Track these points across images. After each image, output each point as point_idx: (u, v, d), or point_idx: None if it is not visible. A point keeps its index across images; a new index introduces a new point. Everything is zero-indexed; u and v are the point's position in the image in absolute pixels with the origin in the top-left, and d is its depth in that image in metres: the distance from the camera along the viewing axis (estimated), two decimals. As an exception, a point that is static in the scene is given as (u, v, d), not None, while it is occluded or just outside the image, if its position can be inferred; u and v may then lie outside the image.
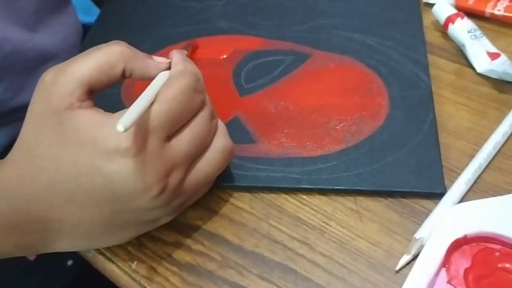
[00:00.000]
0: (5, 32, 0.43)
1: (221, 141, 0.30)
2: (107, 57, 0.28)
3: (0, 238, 0.28)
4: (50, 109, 0.26)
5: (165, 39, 0.44)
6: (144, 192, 0.26)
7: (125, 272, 0.31)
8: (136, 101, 0.25)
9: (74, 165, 0.26)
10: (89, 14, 0.75)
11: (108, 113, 0.27)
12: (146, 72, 0.29)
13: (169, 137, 0.27)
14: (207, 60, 0.42)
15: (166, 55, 0.43)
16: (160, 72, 0.29)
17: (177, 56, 0.30)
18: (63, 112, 0.26)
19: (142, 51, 0.44)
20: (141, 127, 0.26)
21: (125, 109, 0.25)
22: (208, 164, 0.29)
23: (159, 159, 0.26)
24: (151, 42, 0.45)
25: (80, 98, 0.27)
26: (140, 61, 0.29)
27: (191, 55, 0.41)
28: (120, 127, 0.23)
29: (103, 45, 0.28)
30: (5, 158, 0.29)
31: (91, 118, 0.26)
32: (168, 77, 0.28)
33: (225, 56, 0.42)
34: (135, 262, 0.31)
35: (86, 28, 0.59)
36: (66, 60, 0.53)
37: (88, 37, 0.47)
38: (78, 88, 0.27)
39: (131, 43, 0.44)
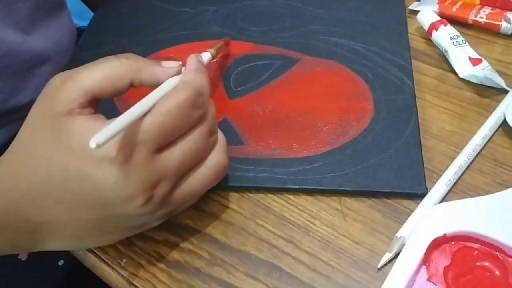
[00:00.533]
0: (1, 34, 0.44)
1: (216, 157, 0.30)
2: (115, 70, 0.28)
3: None
4: (51, 112, 0.27)
5: (157, 44, 0.45)
6: (129, 200, 0.26)
7: (114, 269, 0.32)
8: (123, 114, 0.25)
9: (64, 169, 0.26)
10: (83, 18, 0.76)
11: (104, 120, 0.27)
12: (156, 80, 0.29)
13: (160, 149, 0.27)
14: (193, 54, 0.42)
15: (159, 60, 0.44)
16: (169, 77, 0.29)
17: (192, 63, 0.30)
18: (62, 116, 0.27)
19: (135, 54, 0.45)
20: (131, 137, 0.26)
21: (114, 119, 0.26)
22: (199, 180, 0.29)
23: (146, 170, 0.26)
24: (144, 46, 0.45)
25: (82, 105, 0.27)
26: (148, 71, 0.29)
27: (224, 52, 0.41)
28: (92, 144, 0.23)
29: (112, 57, 0.29)
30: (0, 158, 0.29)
31: (85, 125, 0.26)
32: (173, 86, 0.28)
33: (215, 60, 0.43)
34: (124, 260, 0.32)
35: (79, 31, 0.59)
36: (60, 62, 0.54)
37: (82, 40, 0.48)
38: (82, 96, 0.27)
39: (124, 46, 0.46)
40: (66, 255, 0.49)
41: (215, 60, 0.42)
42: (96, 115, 0.28)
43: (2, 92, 0.46)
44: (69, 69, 0.45)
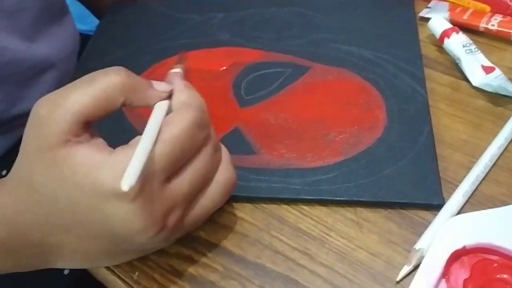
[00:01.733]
0: (5, 41, 0.44)
1: (223, 174, 0.29)
2: (106, 93, 0.26)
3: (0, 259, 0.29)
4: (45, 146, 0.25)
5: (165, 51, 0.45)
6: (141, 233, 0.26)
7: (127, 283, 0.31)
8: (137, 149, 0.24)
9: (72, 203, 0.25)
10: (85, 23, 0.75)
11: (106, 149, 0.26)
12: (146, 103, 0.27)
13: (169, 177, 0.26)
14: (207, 72, 0.42)
15: (165, 68, 0.44)
16: (160, 100, 0.28)
17: (178, 82, 0.29)
18: (58, 150, 0.25)
19: (142, 63, 0.44)
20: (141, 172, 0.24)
21: (124, 147, 0.25)
22: (210, 199, 0.29)
23: (157, 202, 0.25)
24: (151, 55, 0.45)
25: (76, 133, 0.25)
26: (141, 93, 0.27)
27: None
28: (124, 187, 0.22)
29: (100, 74, 0.26)
30: (3, 180, 0.28)
31: (89, 158, 0.25)
32: (171, 108, 0.27)
33: (225, 68, 0.42)
34: (137, 273, 0.31)
35: (82, 36, 0.59)
36: (63, 69, 0.53)
37: (88, 48, 0.47)
38: (74, 124, 0.25)
39: (131, 55, 0.45)
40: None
41: (224, 68, 0.42)
42: (94, 141, 0.26)
43: (6, 99, 0.46)
44: (76, 77, 0.44)
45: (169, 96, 0.28)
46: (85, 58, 0.47)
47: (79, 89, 0.26)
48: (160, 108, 0.27)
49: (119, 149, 0.25)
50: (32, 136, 0.26)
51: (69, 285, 0.48)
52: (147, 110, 0.28)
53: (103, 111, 0.26)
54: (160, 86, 0.28)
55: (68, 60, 0.54)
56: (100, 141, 0.27)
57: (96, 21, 0.67)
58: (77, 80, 0.27)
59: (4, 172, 0.51)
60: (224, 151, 0.30)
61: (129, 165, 0.23)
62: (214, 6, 0.49)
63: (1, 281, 0.46)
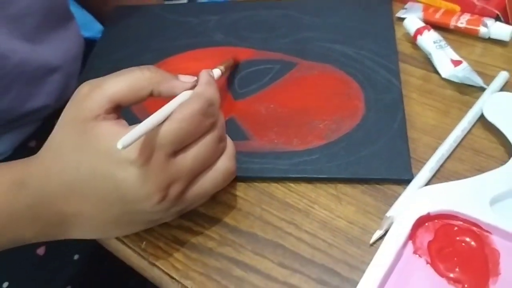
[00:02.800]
0: (12, 44, 0.47)
1: (225, 163, 0.33)
2: (138, 81, 0.31)
3: (27, 227, 0.33)
4: (80, 118, 0.30)
5: (165, 51, 0.49)
6: (146, 199, 0.30)
7: (135, 251, 0.36)
8: (145, 121, 0.28)
9: (91, 169, 0.30)
10: (87, 29, 0.79)
11: (126, 125, 0.30)
12: (172, 92, 0.32)
13: (175, 153, 0.30)
14: (204, 69, 0.46)
15: (166, 66, 0.49)
16: (184, 91, 0.32)
17: (203, 77, 0.33)
18: (89, 122, 0.30)
19: (143, 61, 0.49)
20: (150, 141, 0.29)
21: (140, 124, 0.29)
22: (209, 182, 0.32)
23: (162, 172, 0.29)
24: (152, 54, 0.49)
25: (107, 111, 0.30)
26: (167, 84, 0.32)
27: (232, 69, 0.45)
28: (119, 145, 0.26)
29: (135, 68, 0.32)
30: (33, 156, 0.33)
31: (110, 130, 0.30)
32: (187, 98, 0.31)
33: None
34: (144, 242, 0.36)
35: (86, 41, 0.63)
36: (69, 71, 0.57)
37: (96, 49, 0.52)
38: (107, 103, 0.30)
39: (134, 54, 0.50)
40: (81, 250, 0.52)
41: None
42: (119, 120, 0.31)
43: (16, 98, 0.50)
44: (85, 75, 0.49)
45: (193, 87, 0.33)
46: (93, 57, 0.51)
47: (116, 77, 0.31)
48: (181, 96, 0.32)
49: (135, 125, 0.30)
50: (71, 109, 0.31)
51: (78, 270, 0.51)
52: (152, 103, 0.32)
53: (133, 97, 0.31)
54: (185, 78, 0.33)
55: (73, 63, 0.57)
56: (123, 121, 0.31)
57: (98, 28, 0.70)
58: (117, 72, 0.32)
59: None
60: (230, 144, 0.34)
61: (131, 130, 0.28)
62: (210, 10, 0.53)
63: (16, 267, 0.50)
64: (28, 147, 0.56)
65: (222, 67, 0.40)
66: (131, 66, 0.49)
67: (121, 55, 0.50)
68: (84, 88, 0.31)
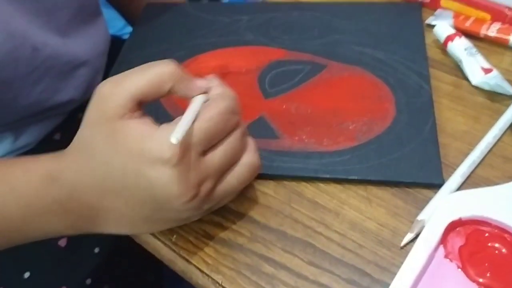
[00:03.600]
0: (45, 37, 0.48)
1: (249, 158, 0.33)
2: (159, 77, 0.31)
3: (57, 220, 0.33)
4: (105, 117, 0.30)
5: (197, 48, 0.50)
6: (178, 197, 0.30)
7: (166, 244, 0.36)
8: (182, 118, 0.29)
9: (123, 169, 0.30)
10: (111, 26, 0.80)
11: (154, 125, 0.31)
12: (189, 93, 0.32)
13: (204, 152, 0.31)
14: (236, 68, 0.47)
15: (197, 63, 0.49)
16: (199, 94, 0.32)
17: (215, 81, 0.34)
18: (116, 121, 0.30)
19: (176, 58, 0.49)
20: (182, 141, 0.29)
21: (169, 123, 0.30)
22: (236, 178, 0.33)
23: (194, 170, 0.30)
24: (183, 51, 0.50)
25: (132, 109, 0.30)
26: (185, 83, 0.32)
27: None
28: (173, 140, 0.27)
29: (155, 63, 0.32)
30: (64, 152, 0.33)
31: (140, 130, 0.30)
32: (208, 99, 0.32)
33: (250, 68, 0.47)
34: (174, 236, 0.36)
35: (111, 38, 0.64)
36: (95, 65, 0.58)
37: (127, 45, 0.52)
38: (131, 101, 0.30)
39: (165, 51, 0.51)
40: (102, 243, 0.53)
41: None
42: (144, 118, 0.31)
43: (46, 91, 0.50)
44: (117, 68, 0.50)
45: (206, 92, 0.33)
46: (125, 52, 0.52)
47: (137, 73, 0.31)
48: (198, 99, 0.32)
49: (164, 125, 0.31)
50: (95, 110, 0.31)
51: (99, 263, 0.52)
52: (183, 99, 0.33)
53: (154, 93, 0.31)
54: (201, 82, 0.33)
55: (100, 58, 0.58)
56: (149, 119, 0.32)
57: (120, 25, 0.71)
58: (136, 68, 0.32)
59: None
60: (251, 139, 0.34)
61: (178, 126, 0.28)
62: (241, 10, 0.54)
63: (38, 258, 0.50)
64: (53, 139, 0.57)
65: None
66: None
67: (153, 51, 0.51)
68: (105, 87, 0.31)
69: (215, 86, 0.33)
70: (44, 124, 0.56)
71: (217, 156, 0.31)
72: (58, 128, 0.57)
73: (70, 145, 0.33)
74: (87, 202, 0.32)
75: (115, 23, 0.80)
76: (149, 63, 0.32)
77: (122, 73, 0.32)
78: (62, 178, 0.32)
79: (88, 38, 0.55)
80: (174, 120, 0.31)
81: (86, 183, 0.31)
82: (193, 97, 0.32)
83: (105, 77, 0.52)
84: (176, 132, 0.28)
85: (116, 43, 0.62)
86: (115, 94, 0.31)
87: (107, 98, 0.31)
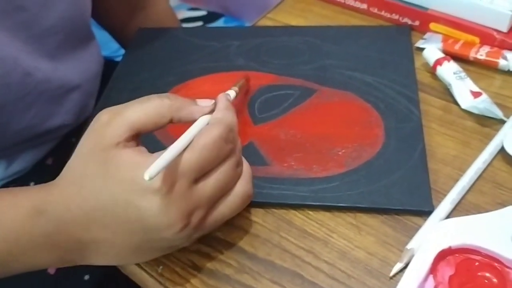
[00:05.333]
0: (36, 62, 0.48)
1: (242, 187, 0.33)
2: (158, 109, 0.32)
3: (45, 254, 0.33)
4: (100, 146, 0.30)
5: (187, 74, 0.50)
6: (169, 227, 0.30)
7: (152, 276, 0.36)
8: (168, 150, 0.29)
9: (112, 198, 0.30)
10: (105, 48, 0.81)
11: (147, 153, 0.31)
12: (192, 117, 0.33)
13: (196, 180, 0.30)
14: (221, 93, 0.47)
15: (188, 89, 0.49)
16: (203, 115, 0.33)
17: (221, 102, 0.34)
18: (110, 150, 0.30)
19: (166, 84, 0.49)
20: (173, 170, 0.29)
21: (161, 152, 0.29)
22: (228, 207, 0.33)
23: (185, 200, 0.30)
24: (174, 77, 0.50)
25: (127, 139, 0.31)
26: (186, 110, 0.32)
27: (246, 88, 0.45)
28: (146, 176, 0.27)
29: (155, 96, 0.32)
30: (52, 183, 0.33)
31: (132, 159, 0.30)
32: (206, 123, 0.32)
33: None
34: (161, 267, 0.36)
35: (105, 60, 0.64)
36: (88, 89, 0.58)
37: (118, 70, 0.53)
38: (128, 131, 0.31)
39: (156, 77, 0.51)
40: (92, 270, 0.52)
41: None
42: (139, 148, 0.31)
43: (37, 116, 0.50)
44: (107, 95, 0.50)
45: (212, 111, 0.33)
46: (116, 78, 0.52)
47: (136, 104, 0.32)
48: (200, 121, 0.32)
49: (156, 153, 0.30)
50: (91, 137, 0.32)
51: (88, 291, 0.51)
52: (174, 127, 0.33)
53: (153, 125, 0.32)
54: (203, 103, 0.34)
55: (92, 82, 0.58)
56: (143, 148, 0.32)
57: (115, 47, 0.71)
58: (136, 100, 0.32)
59: (31, 184, 0.55)
60: (246, 167, 0.34)
61: (156, 161, 0.28)
62: (231, 35, 0.54)
63: (26, 282, 0.50)
64: (45, 164, 0.57)
65: (236, 88, 0.40)
66: (153, 88, 0.50)
67: (143, 77, 0.51)
68: (104, 115, 0.31)
69: (219, 109, 0.33)
70: (37, 149, 0.55)
71: (209, 185, 0.31)
72: (51, 153, 0.57)
73: (61, 174, 0.33)
74: (75, 234, 0.32)
75: (110, 45, 0.80)
76: (148, 96, 0.32)
77: (122, 104, 0.32)
78: (49, 211, 0.32)
79: (80, 62, 0.55)
80: (166, 149, 0.30)
81: (75, 214, 0.31)
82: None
83: (98, 100, 0.52)
84: (152, 167, 0.27)
85: (110, 65, 0.62)
86: (113, 123, 0.31)
87: (105, 126, 0.31)
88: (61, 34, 0.51)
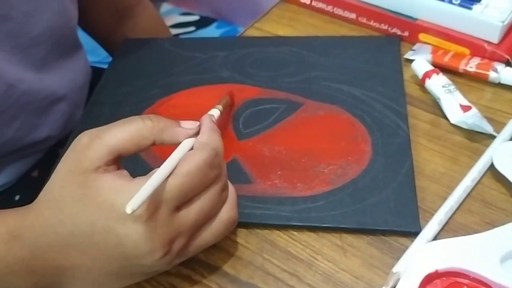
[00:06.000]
0: (19, 74, 0.47)
1: (227, 213, 0.32)
2: (139, 131, 0.31)
3: (20, 280, 0.32)
4: (79, 169, 0.29)
5: (171, 87, 0.49)
6: (149, 254, 0.29)
7: (131, 300, 0.34)
8: (150, 179, 0.27)
9: (91, 224, 0.29)
10: (94, 54, 0.79)
11: (129, 178, 0.30)
12: (175, 140, 0.32)
13: (179, 207, 0.29)
14: (209, 106, 0.46)
15: (171, 103, 0.48)
16: (187, 138, 0.32)
17: (206, 124, 0.33)
18: (89, 174, 0.29)
19: (150, 97, 0.48)
20: (155, 197, 0.28)
21: (142, 177, 0.28)
22: (211, 233, 0.32)
23: (166, 227, 0.29)
24: (158, 89, 0.49)
25: (107, 163, 0.30)
26: (169, 132, 0.31)
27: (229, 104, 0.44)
28: (128, 209, 0.26)
29: (137, 117, 0.31)
30: (28, 206, 0.32)
31: (112, 184, 0.29)
32: (190, 146, 0.31)
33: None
34: (141, 291, 0.34)
35: (93, 68, 0.62)
36: (74, 100, 0.56)
37: (101, 82, 0.51)
38: (108, 155, 0.30)
39: (140, 89, 0.49)
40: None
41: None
42: (120, 172, 0.30)
43: (21, 128, 0.49)
44: (90, 109, 0.48)
45: (196, 133, 0.32)
46: (98, 91, 0.51)
47: (117, 127, 0.31)
48: (184, 145, 0.31)
49: (138, 178, 0.29)
50: (69, 161, 0.31)
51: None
52: (162, 149, 0.32)
53: (134, 147, 0.31)
54: (187, 125, 0.33)
55: (79, 92, 0.57)
56: (125, 172, 0.31)
57: (105, 53, 0.70)
58: (118, 121, 0.31)
59: (17, 197, 0.54)
60: (232, 191, 0.33)
61: (138, 192, 0.27)
62: (217, 46, 0.53)
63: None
64: (31, 177, 0.56)
65: (220, 106, 0.39)
66: (136, 102, 0.49)
67: (127, 90, 0.50)
68: (84, 138, 0.30)
69: (203, 131, 0.32)
70: (22, 162, 0.54)
71: (192, 212, 0.30)
72: (36, 165, 0.56)
73: (38, 197, 0.32)
74: (51, 259, 0.31)
75: (100, 52, 0.79)
76: (130, 118, 0.31)
77: (103, 126, 0.31)
78: (24, 236, 0.31)
79: (66, 72, 0.54)
80: (150, 173, 0.30)
81: (50, 239, 0.30)
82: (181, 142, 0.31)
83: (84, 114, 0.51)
84: (134, 199, 0.26)
85: (99, 73, 0.61)
86: (93, 146, 0.30)
87: (84, 149, 0.30)
88: (48, 43, 0.50)
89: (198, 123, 0.33)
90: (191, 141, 0.31)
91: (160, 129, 0.31)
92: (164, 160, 0.29)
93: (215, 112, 0.38)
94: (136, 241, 0.28)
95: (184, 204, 0.30)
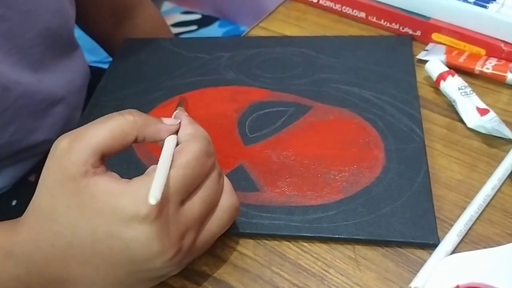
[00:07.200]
0: (16, 75, 0.46)
1: (228, 200, 0.31)
2: (121, 127, 0.29)
3: None
4: (67, 177, 0.27)
5: (174, 89, 0.47)
6: (160, 255, 0.27)
7: (133, 316, 0.32)
8: (157, 171, 0.27)
9: (92, 231, 0.27)
10: (96, 54, 0.78)
11: (122, 180, 0.28)
12: (158, 136, 0.30)
13: (182, 201, 0.28)
14: (213, 110, 0.44)
15: (174, 106, 0.46)
16: (170, 134, 0.30)
17: (184, 118, 0.32)
18: (79, 180, 0.27)
19: (152, 99, 0.46)
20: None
21: (140, 177, 0.27)
22: (216, 224, 0.31)
23: (174, 224, 0.28)
24: (160, 92, 0.47)
25: (94, 165, 0.28)
26: (152, 128, 0.30)
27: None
28: (152, 201, 0.25)
29: (116, 114, 0.29)
30: (18, 221, 0.30)
31: (108, 187, 0.27)
32: (178, 141, 0.30)
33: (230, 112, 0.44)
34: (144, 306, 0.33)
35: (92, 69, 0.61)
36: (73, 102, 0.55)
37: (101, 84, 0.50)
38: (92, 156, 0.28)
39: (142, 92, 0.48)
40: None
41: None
42: (109, 173, 0.29)
43: (18, 132, 0.48)
44: (90, 111, 0.47)
45: (177, 131, 0.31)
46: (98, 94, 0.49)
47: (97, 125, 0.29)
48: (169, 142, 0.30)
49: (136, 178, 0.28)
50: (53, 168, 0.28)
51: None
52: (157, 146, 0.31)
53: (118, 145, 0.29)
54: (169, 121, 0.31)
55: (77, 94, 0.55)
56: (114, 174, 0.29)
57: (105, 53, 0.69)
58: (96, 120, 0.29)
59: (14, 202, 0.52)
60: (226, 179, 0.32)
61: (153, 183, 0.26)
62: (222, 46, 0.51)
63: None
64: (28, 181, 0.54)
65: (181, 108, 0.37)
66: (138, 105, 0.47)
67: (128, 92, 0.48)
68: (62, 142, 0.28)
69: (184, 125, 0.31)
70: (19, 166, 0.53)
71: (196, 204, 0.29)
72: (34, 169, 0.54)
73: (26, 211, 0.30)
74: (48, 273, 0.29)
75: (100, 51, 0.78)
76: (110, 114, 0.30)
77: (81, 127, 0.29)
78: (17, 252, 0.29)
79: (64, 74, 0.53)
80: (147, 171, 0.28)
81: (47, 253, 0.28)
82: (164, 139, 0.30)
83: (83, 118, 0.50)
84: (153, 190, 0.25)
85: (98, 74, 0.60)
86: (75, 149, 0.28)
87: (66, 154, 0.28)
88: (45, 44, 0.48)
89: (179, 120, 0.32)
90: (174, 138, 0.30)
91: (143, 124, 0.29)
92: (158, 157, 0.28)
93: (181, 110, 0.35)
94: (145, 243, 0.27)
95: (187, 197, 0.29)
